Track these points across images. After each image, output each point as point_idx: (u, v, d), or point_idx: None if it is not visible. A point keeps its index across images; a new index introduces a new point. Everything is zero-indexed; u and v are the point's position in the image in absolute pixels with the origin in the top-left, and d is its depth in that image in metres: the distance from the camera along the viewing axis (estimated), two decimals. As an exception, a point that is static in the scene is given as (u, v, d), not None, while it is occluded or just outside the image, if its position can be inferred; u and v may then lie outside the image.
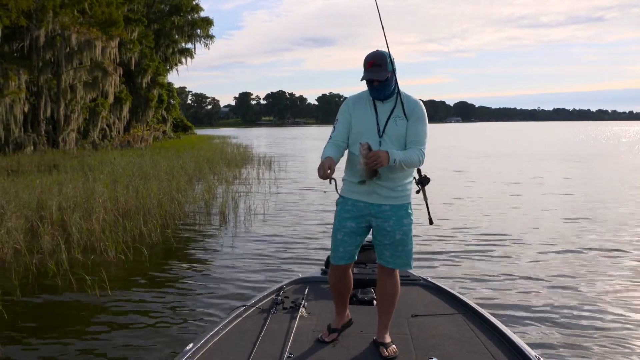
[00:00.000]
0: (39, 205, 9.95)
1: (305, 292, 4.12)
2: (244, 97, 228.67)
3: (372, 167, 2.95)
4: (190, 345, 3.17)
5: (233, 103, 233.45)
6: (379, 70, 3.04)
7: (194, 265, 7.18)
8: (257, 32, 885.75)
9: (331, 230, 3.36)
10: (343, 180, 3.30)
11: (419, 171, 3.28)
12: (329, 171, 2.96)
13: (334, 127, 3.23)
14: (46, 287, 6.14)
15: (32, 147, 29.16)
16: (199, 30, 50.34)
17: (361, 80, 3.10)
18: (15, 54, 29.59)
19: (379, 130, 3.09)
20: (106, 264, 7.02)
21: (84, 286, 5.85)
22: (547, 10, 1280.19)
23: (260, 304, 3.97)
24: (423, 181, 3.26)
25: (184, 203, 11.34)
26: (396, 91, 3.14)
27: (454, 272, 6.69)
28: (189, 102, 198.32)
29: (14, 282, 6.10)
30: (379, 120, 3.10)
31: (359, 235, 3.23)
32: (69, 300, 5.72)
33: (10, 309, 5.41)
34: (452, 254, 7.57)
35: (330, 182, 3.11)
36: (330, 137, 3.23)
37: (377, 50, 3.12)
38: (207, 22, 50.54)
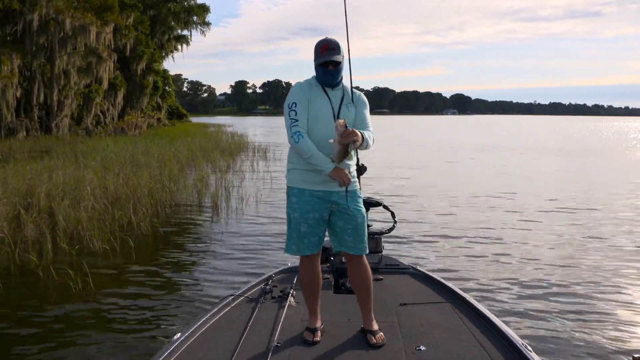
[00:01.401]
0: (27, 193, 9.77)
1: (294, 281, 4.05)
2: (240, 86, 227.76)
3: (347, 146, 2.90)
4: (178, 334, 3.14)
5: (229, 91, 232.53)
6: (334, 53, 3.09)
7: (183, 255, 7.04)
8: (254, 20, 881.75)
9: None
10: (292, 170, 3.19)
11: (357, 159, 3.39)
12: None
13: (295, 111, 3.07)
14: (28, 278, 5.98)
15: (24, 133, 28.91)
16: (195, 17, 49.92)
17: (318, 63, 3.11)
18: (8, 38, 29.22)
19: (334, 115, 3.13)
20: (92, 254, 6.86)
21: (67, 278, 5.69)
22: (545, 4, 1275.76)
23: (248, 293, 3.92)
24: (361, 169, 3.46)
25: (176, 192, 11.17)
26: (342, 80, 3.25)
27: (443, 261, 6.71)
28: (185, 89, 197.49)
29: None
30: (333, 105, 3.16)
31: (322, 225, 3.17)
32: (50, 292, 5.56)
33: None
34: (441, 243, 7.63)
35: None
36: (296, 123, 3.06)
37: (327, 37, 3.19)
38: (204, 9, 50.11)
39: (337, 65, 3.12)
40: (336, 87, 3.20)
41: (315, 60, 3.13)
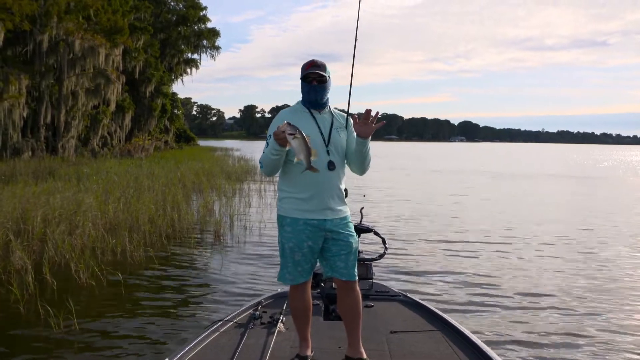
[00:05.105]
0: (21, 217, 9.31)
1: (284, 307, 3.97)
2: (249, 110, 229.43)
3: (304, 140, 2.79)
4: None
5: (238, 115, 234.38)
6: (318, 69, 3.12)
7: (175, 283, 6.68)
8: (264, 46, 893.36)
9: None
10: (283, 199, 3.16)
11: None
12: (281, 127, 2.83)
13: (267, 142, 3.05)
14: (8, 315, 5.48)
15: (30, 153, 28.67)
16: (205, 41, 50.20)
17: (302, 76, 3.15)
18: (17, 59, 29.22)
19: (324, 140, 3.10)
20: (79, 287, 6.37)
21: (49, 313, 5.18)
22: (551, 33, 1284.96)
23: (237, 318, 3.86)
24: (345, 192, 3.39)
25: (177, 219, 10.66)
26: (329, 104, 3.24)
27: (434, 288, 6.62)
28: (194, 113, 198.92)
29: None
30: (322, 130, 3.12)
31: (315, 253, 3.15)
32: (31, 331, 5.05)
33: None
34: (432, 270, 7.46)
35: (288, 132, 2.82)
36: (264, 152, 3.06)
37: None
38: (214, 33, 50.42)
39: (322, 82, 3.12)
40: (323, 111, 3.19)
41: (300, 76, 3.17)
